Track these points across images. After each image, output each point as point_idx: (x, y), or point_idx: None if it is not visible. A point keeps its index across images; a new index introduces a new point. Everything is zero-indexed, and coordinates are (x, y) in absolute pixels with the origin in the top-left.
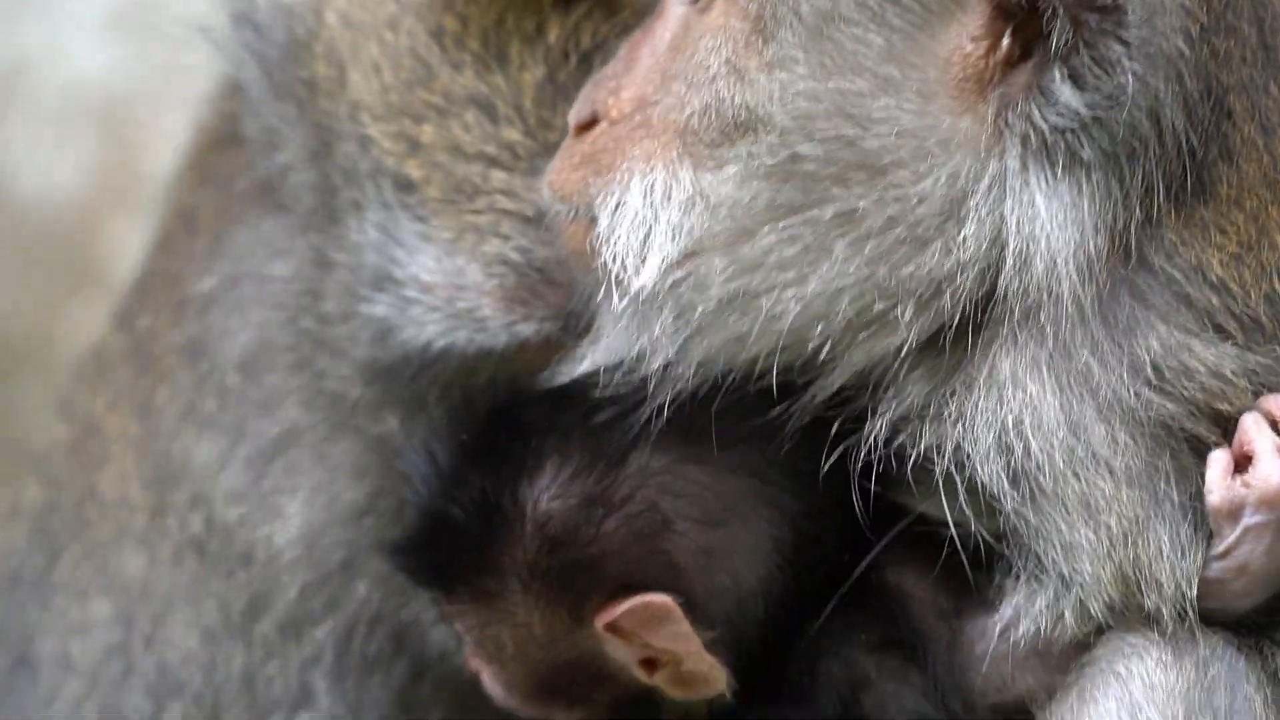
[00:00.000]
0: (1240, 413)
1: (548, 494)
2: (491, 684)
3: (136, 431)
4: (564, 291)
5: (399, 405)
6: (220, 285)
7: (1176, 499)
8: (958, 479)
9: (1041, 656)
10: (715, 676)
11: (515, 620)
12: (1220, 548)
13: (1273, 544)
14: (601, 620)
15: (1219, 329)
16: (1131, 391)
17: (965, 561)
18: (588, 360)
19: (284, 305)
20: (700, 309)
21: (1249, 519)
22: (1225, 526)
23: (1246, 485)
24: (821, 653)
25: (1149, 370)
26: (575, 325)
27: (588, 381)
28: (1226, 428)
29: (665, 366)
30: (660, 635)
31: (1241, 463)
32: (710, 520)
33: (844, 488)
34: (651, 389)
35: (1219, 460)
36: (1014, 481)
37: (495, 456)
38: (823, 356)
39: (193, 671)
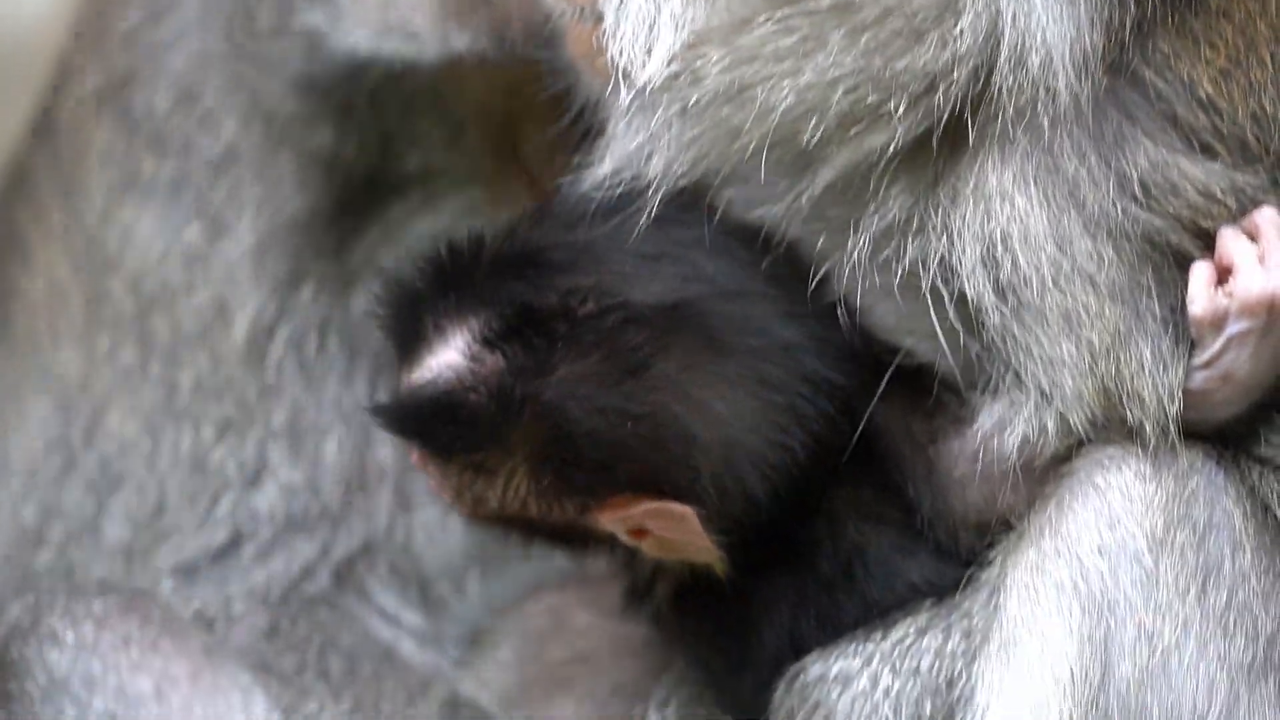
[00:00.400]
0: None
1: (567, 394)
2: (447, 494)
3: (61, 220)
4: (500, 10)
5: (331, 117)
6: (146, 17)
7: (1159, 313)
8: (944, 293)
9: (1021, 474)
10: (711, 560)
11: (508, 492)
12: (1204, 357)
13: (1256, 350)
14: (608, 516)
15: (1206, 148)
16: (1118, 207)
17: (935, 391)
18: (605, 164)
19: (216, 25)
20: (698, 100)
21: (1232, 328)
22: (1208, 336)
23: (1228, 295)
24: (819, 514)
25: (1136, 187)
26: (508, 45)
27: (606, 271)
28: (1209, 243)
29: (665, 169)
30: (666, 528)
31: (1223, 275)
32: (730, 437)
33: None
34: (650, 195)
35: (1201, 271)
36: (1000, 295)
37: (513, 341)
38: (812, 151)
39: (135, 461)
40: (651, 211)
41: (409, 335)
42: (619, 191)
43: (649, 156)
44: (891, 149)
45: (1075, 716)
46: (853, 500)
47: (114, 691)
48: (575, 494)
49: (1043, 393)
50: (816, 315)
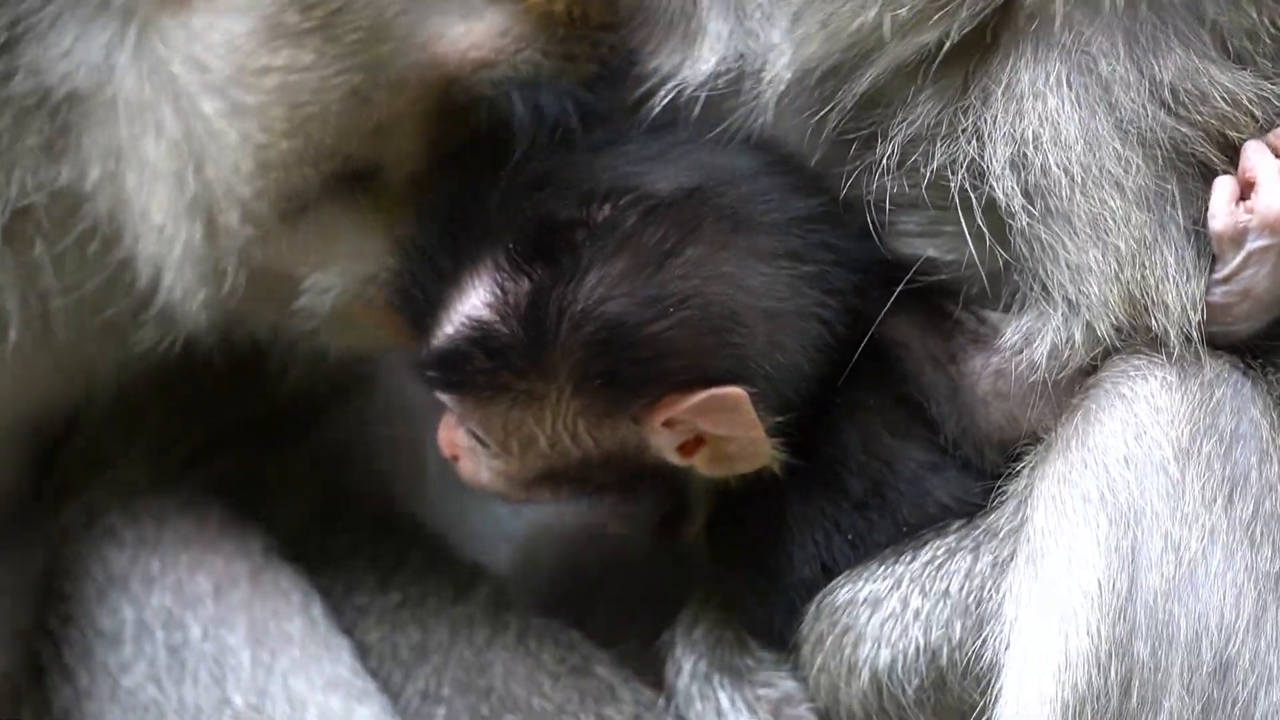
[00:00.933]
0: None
1: (602, 295)
2: (482, 474)
3: None
4: None
5: None
6: None
7: (1182, 223)
8: (973, 198)
9: (1045, 388)
10: (763, 455)
11: (557, 422)
12: (1223, 272)
13: (1275, 268)
14: (661, 416)
15: (1237, 55)
16: (1148, 112)
17: (954, 310)
18: (708, 60)
19: None
20: None
21: (1251, 244)
22: (1228, 252)
23: (1249, 211)
24: (839, 424)
25: (1166, 92)
26: None
27: (621, 169)
28: (1233, 156)
29: (761, 65)
30: (720, 424)
31: (1245, 189)
32: (771, 309)
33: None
34: (750, 89)
35: (1223, 186)
36: (1028, 198)
37: (536, 262)
38: (856, 57)
39: None
40: (650, 121)
41: (430, 300)
42: (722, 84)
43: (759, 52)
44: (944, 46)
45: (1102, 628)
46: (880, 417)
47: (173, 590)
48: (625, 402)
49: (1069, 302)
50: (825, 203)
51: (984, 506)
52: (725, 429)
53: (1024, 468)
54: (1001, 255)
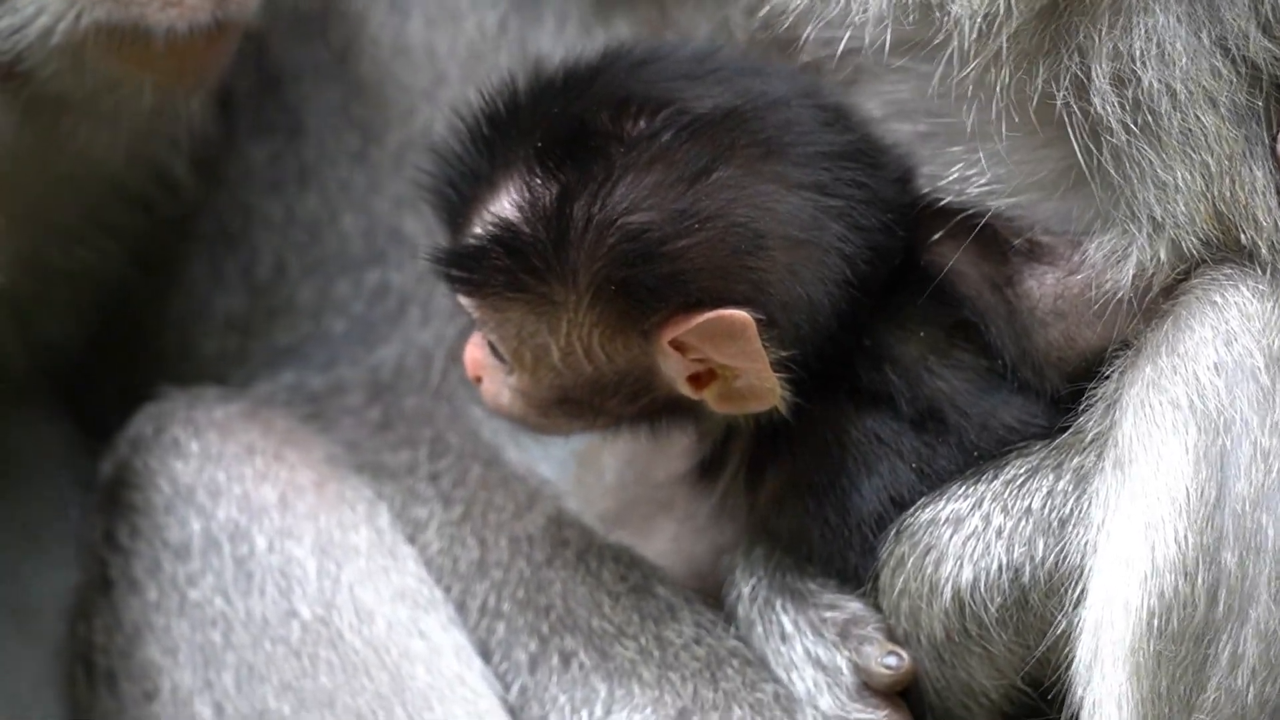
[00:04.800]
0: None
1: (630, 205)
2: (502, 395)
3: None
4: None
5: None
6: None
7: (1266, 142)
8: (1079, 111)
9: (1110, 307)
10: (772, 393)
11: (571, 331)
12: None
13: None
14: (670, 333)
15: None
16: (1248, 31)
17: (1006, 234)
18: None
19: None
20: None
21: None
22: None
23: None
24: (886, 354)
25: (1267, 10)
26: None
27: (659, 84)
28: None
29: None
30: (726, 351)
31: None
32: (794, 238)
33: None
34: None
35: None
36: (1127, 114)
37: (567, 167)
38: None
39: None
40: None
41: (462, 199)
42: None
43: None
44: None
45: (1190, 535)
46: (930, 344)
47: (239, 500)
48: (638, 316)
49: (1154, 221)
50: (858, 140)
51: (1052, 429)
52: (730, 356)
53: (1113, 372)
54: (1093, 174)
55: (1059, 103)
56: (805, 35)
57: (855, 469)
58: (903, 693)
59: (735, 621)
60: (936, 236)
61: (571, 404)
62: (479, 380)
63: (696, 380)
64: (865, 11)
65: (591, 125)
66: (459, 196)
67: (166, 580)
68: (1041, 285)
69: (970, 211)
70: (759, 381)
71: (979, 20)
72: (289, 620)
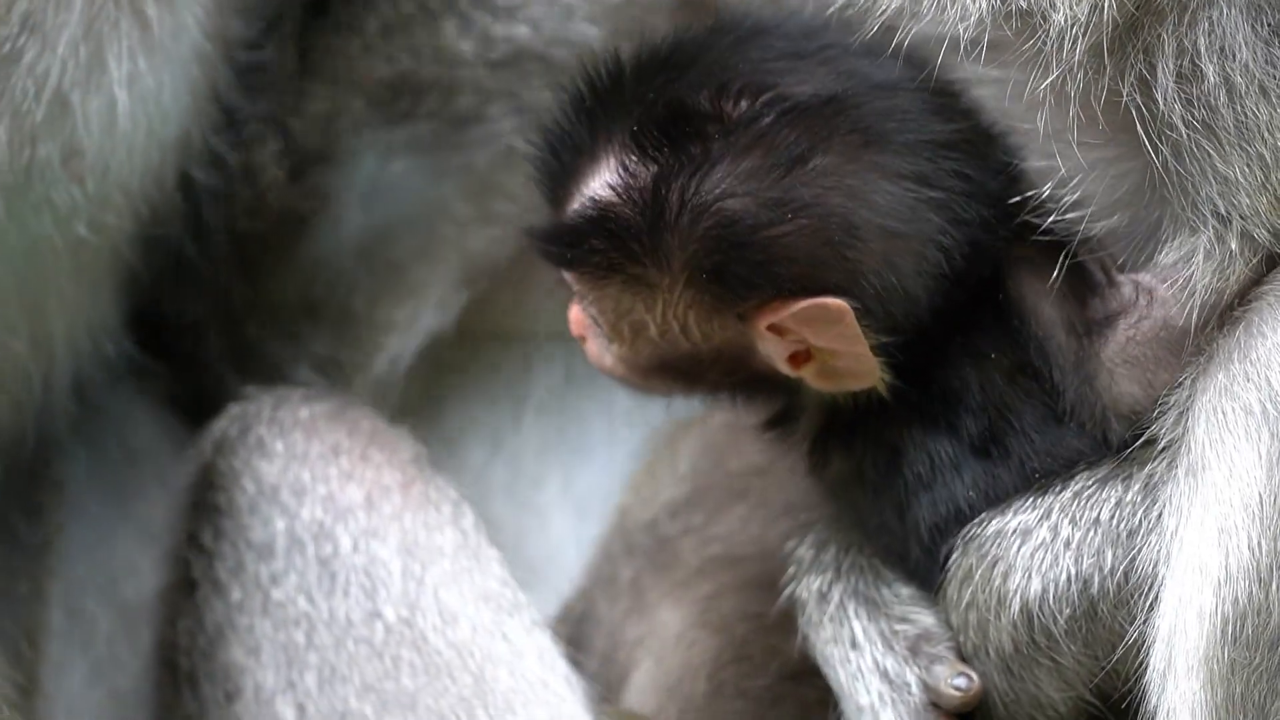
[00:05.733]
0: None
1: (725, 191)
2: (605, 357)
3: None
4: None
5: None
6: None
7: None
8: (1145, 110)
9: (1177, 343)
10: (871, 373)
11: (667, 311)
12: None
13: None
14: (767, 320)
15: None
16: None
17: (1093, 269)
18: None
19: None
20: None
21: None
22: None
23: None
24: (961, 373)
25: None
26: None
27: (751, 66)
28: None
29: None
30: (825, 335)
31: None
32: (892, 229)
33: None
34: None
35: None
36: (1189, 109)
37: (665, 148)
38: None
39: None
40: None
41: (563, 172)
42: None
43: None
44: None
45: (1264, 543)
46: (999, 368)
47: (323, 501)
48: (732, 301)
49: (1220, 216)
50: (964, 130)
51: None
52: (829, 341)
53: (1185, 379)
54: (1160, 175)
55: (1124, 101)
56: (897, 38)
57: (913, 480)
58: (968, 714)
59: (801, 614)
60: (1024, 265)
61: (671, 371)
62: (583, 339)
63: (795, 358)
64: (965, 18)
65: (691, 106)
66: (561, 168)
67: (250, 580)
68: (1114, 333)
69: (1062, 240)
70: (858, 363)
71: (1076, 28)
72: (372, 621)
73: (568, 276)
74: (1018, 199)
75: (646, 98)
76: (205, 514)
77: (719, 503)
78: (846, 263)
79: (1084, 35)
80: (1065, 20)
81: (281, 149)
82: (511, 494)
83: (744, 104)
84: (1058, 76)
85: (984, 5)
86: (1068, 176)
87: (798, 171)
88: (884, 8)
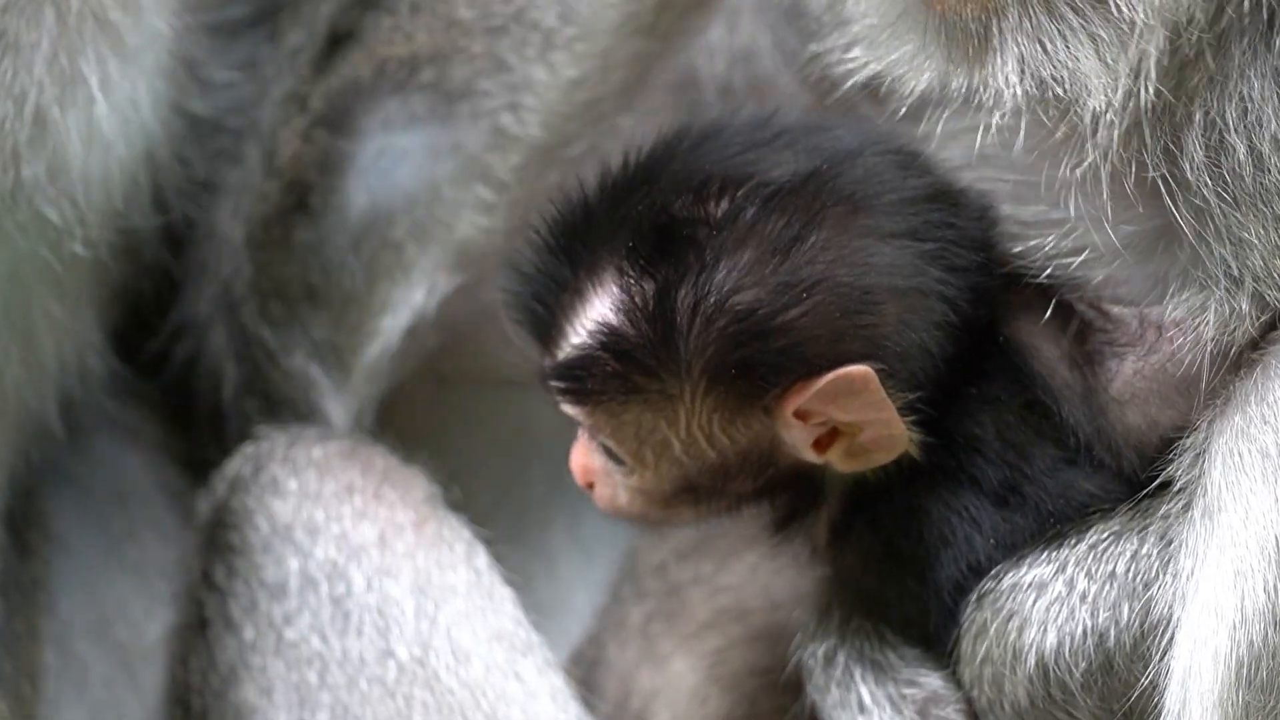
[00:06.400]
0: None
1: (733, 287)
2: (619, 497)
3: None
4: None
5: None
6: None
7: None
8: (1170, 179)
9: (1190, 383)
10: (900, 440)
11: (690, 422)
12: None
13: None
14: (793, 404)
15: None
16: None
17: (1084, 305)
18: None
19: None
20: None
21: None
22: None
23: None
24: (979, 419)
25: None
26: None
27: (701, 167)
28: None
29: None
30: (850, 408)
31: None
32: (899, 288)
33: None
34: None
35: None
36: (1215, 176)
37: (660, 260)
38: None
39: None
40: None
41: (550, 314)
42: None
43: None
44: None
45: (1279, 585)
46: (1011, 411)
47: (337, 539)
48: (757, 393)
49: (1232, 278)
50: (936, 181)
51: (1132, 496)
52: (856, 413)
53: (1202, 421)
54: (1176, 236)
55: (1150, 175)
56: (928, 125)
57: (935, 540)
58: None
59: (808, 680)
60: (1016, 307)
61: (693, 492)
62: (590, 486)
63: (820, 444)
64: (1001, 108)
65: (674, 214)
66: (546, 311)
67: (263, 620)
68: (1121, 365)
69: (1050, 282)
70: (886, 430)
71: (1111, 114)
72: (385, 660)
73: (579, 414)
74: (1004, 245)
75: (628, 217)
76: (219, 552)
77: (727, 549)
78: (865, 329)
79: (1119, 120)
80: (1100, 106)
81: (305, 124)
82: (518, 538)
83: (725, 201)
84: (1091, 160)
85: (1018, 93)
86: (1072, 228)
87: (797, 252)
88: (911, 93)
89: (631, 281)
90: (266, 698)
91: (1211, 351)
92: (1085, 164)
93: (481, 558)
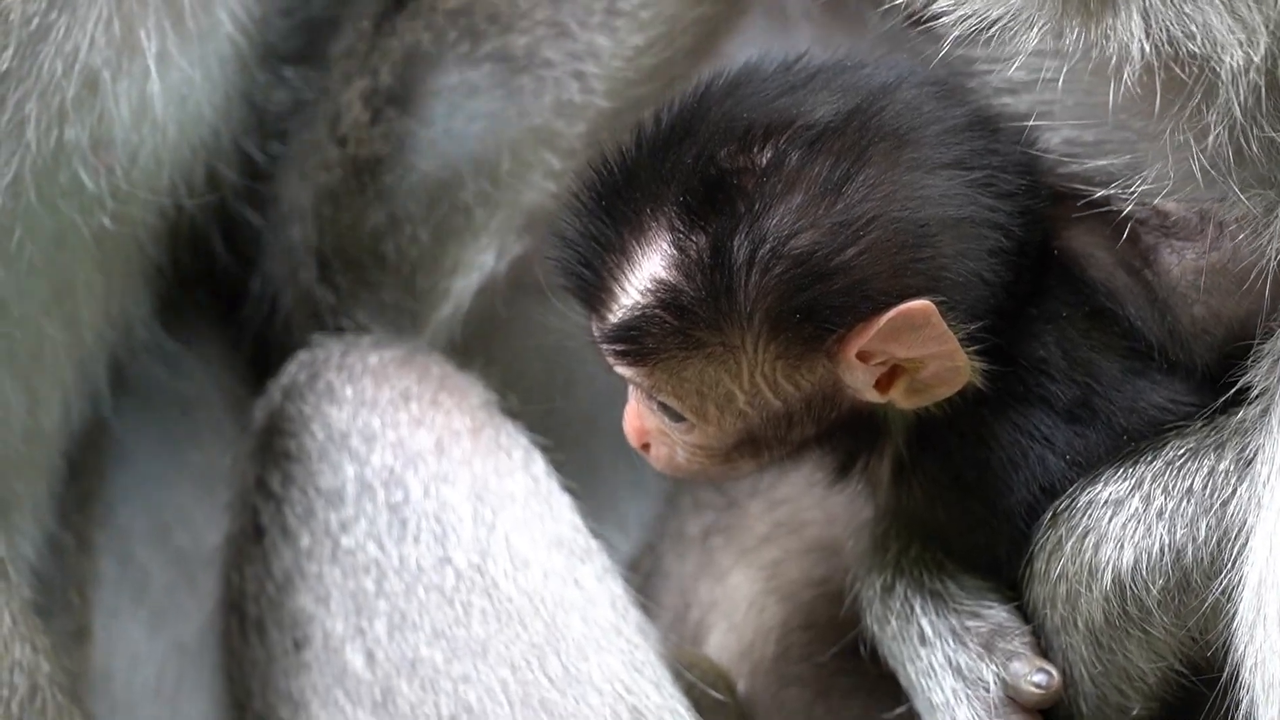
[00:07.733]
0: None
1: (789, 232)
2: (677, 456)
3: None
4: None
5: None
6: None
7: None
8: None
9: (1254, 276)
10: (963, 372)
11: (754, 372)
12: None
13: None
14: (855, 345)
15: None
16: None
17: (1131, 215)
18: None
19: None
20: None
21: None
22: None
23: None
24: (1043, 340)
25: None
26: None
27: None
28: None
29: None
30: (912, 344)
31: None
32: (952, 218)
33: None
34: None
35: None
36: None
37: (710, 212)
38: None
39: None
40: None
41: (598, 277)
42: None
43: None
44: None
45: None
46: (1075, 326)
47: (393, 446)
48: (820, 337)
49: None
50: (974, 109)
51: (1202, 407)
52: (919, 348)
53: (1267, 357)
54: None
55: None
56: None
57: (1002, 463)
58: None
59: (866, 613)
60: (1064, 221)
61: (754, 443)
62: (646, 448)
63: (881, 383)
64: (1130, 64)
65: (720, 165)
66: (593, 274)
67: (319, 527)
68: (1182, 261)
69: (1096, 193)
70: (950, 363)
71: (1253, 72)
72: (443, 567)
73: (636, 375)
74: (1046, 165)
75: (672, 174)
76: (274, 460)
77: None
78: (923, 262)
79: (1260, 78)
80: (1240, 64)
81: (368, 89)
82: (566, 448)
83: (769, 147)
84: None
85: (1147, 48)
86: (1135, 163)
87: (848, 192)
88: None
89: (683, 236)
90: (323, 605)
91: (1270, 264)
92: (1207, 122)
93: (539, 464)
